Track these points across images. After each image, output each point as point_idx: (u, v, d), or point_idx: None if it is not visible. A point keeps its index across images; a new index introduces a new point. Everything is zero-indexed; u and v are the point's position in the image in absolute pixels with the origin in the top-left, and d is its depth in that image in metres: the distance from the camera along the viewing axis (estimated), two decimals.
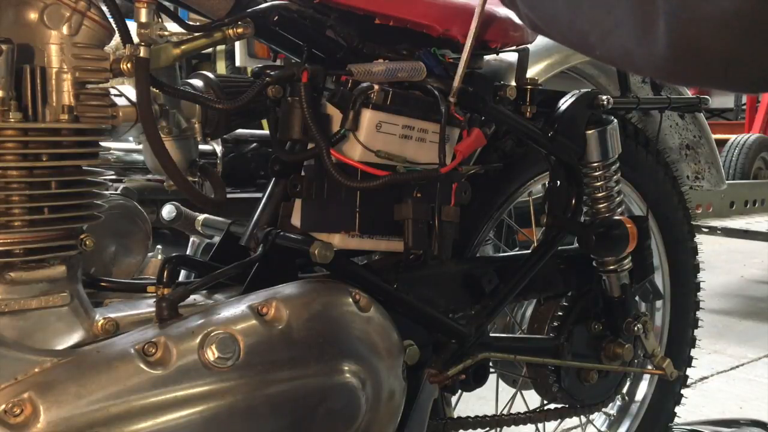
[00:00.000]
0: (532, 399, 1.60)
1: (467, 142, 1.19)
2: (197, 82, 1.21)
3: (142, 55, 0.97)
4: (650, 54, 0.72)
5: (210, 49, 4.14)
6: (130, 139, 1.61)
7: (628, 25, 0.73)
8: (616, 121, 1.48)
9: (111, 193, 1.21)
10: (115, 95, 1.05)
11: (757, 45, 0.67)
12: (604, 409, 1.73)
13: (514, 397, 1.62)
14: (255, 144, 1.98)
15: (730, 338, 3.43)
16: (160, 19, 0.99)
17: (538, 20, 0.88)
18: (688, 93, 1.84)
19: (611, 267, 1.51)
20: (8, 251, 0.90)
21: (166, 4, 1.08)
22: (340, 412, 1.08)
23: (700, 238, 1.92)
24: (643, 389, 1.83)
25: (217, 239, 1.30)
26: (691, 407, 2.27)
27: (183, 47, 1.05)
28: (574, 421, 1.78)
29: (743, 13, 0.65)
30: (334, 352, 1.07)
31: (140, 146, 1.44)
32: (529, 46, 1.34)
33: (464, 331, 1.29)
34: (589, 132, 1.44)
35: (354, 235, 1.14)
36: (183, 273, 1.22)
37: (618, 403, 1.82)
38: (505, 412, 1.50)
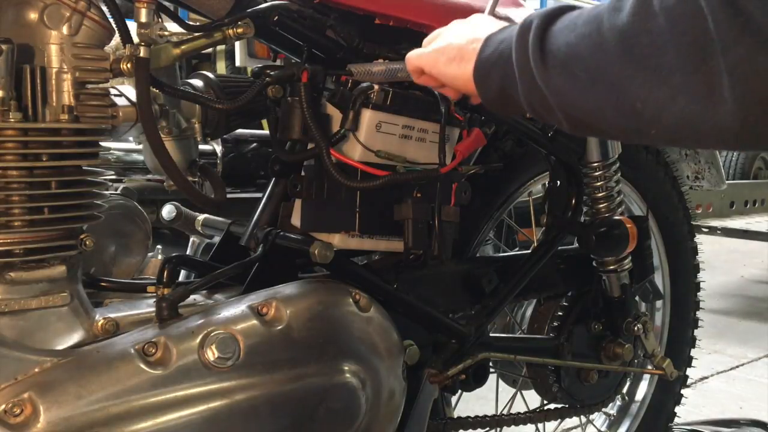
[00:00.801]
0: (532, 399, 1.60)
1: (467, 142, 1.19)
2: (197, 82, 1.21)
3: (142, 55, 0.97)
4: (716, 117, 0.64)
5: (210, 49, 4.14)
6: (130, 139, 1.61)
7: (688, 91, 0.65)
8: None
9: (111, 193, 1.21)
10: (115, 95, 1.05)
11: None
12: (604, 409, 1.73)
13: (514, 397, 1.62)
14: (255, 144, 1.97)
15: (730, 338, 3.43)
16: (160, 19, 0.99)
17: (580, 117, 0.77)
18: None
19: (611, 267, 1.51)
20: (8, 251, 0.90)
21: (166, 4, 1.08)
22: (340, 412, 1.08)
23: (700, 238, 1.92)
24: (643, 389, 1.83)
25: (217, 239, 1.30)
26: (691, 407, 2.27)
27: (183, 47, 1.05)
28: (574, 421, 1.78)
29: None
30: (334, 352, 1.07)
31: (140, 146, 1.44)
32: None
33: (464, 331, 1.29)
34: None
35: (354, 235, 1.14)
36: (183, 273, 1.22)
37: (618, 403, 1.82)
38: (505, 412, 1.50)
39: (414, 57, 1.01)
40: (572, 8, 0.80)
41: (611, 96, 0.71)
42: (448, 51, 0.95)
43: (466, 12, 1.18)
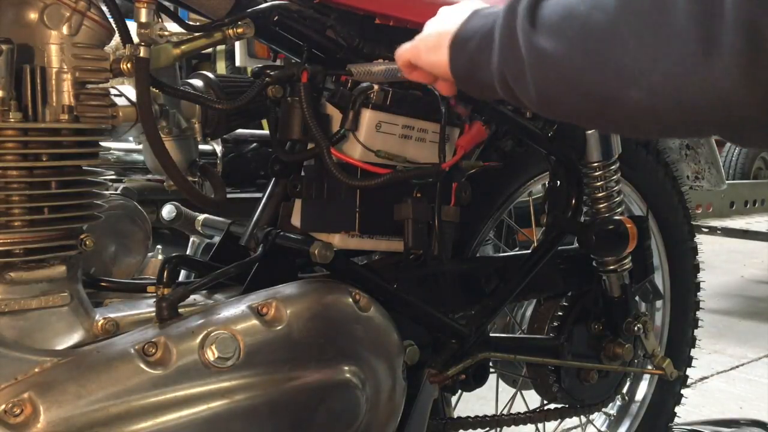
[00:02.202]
0: (532, 399, 1.60)
1: (468, 135, 1.19)
2: (197, 82, 1.21)
3: (142, 55, 0.97)
4: (709, 74, 0.60)
5: (210, 49, 4.14)
6: (130, 139, 1.61)
7: (682, 45, 0.61)
8: None
9: (111, 193, 1.21)
10: (115, 95, 1.05)
11: None
12: (604, 409, 1.73)
13: (514, 397, 1.62)
14: (255, 144, 1.97)
15: (730, 338, 3.43)
16: (160, 19, 0.99)
17: (555, 86, 0.74)
18: None
19: (611, 267, 1.51)
20: (8, 251, 0.90)
21: (166, 4, 1.08)
22: (340, 412, 1.08)
23: (700, 238, 1.92)
24: (643, 389, 1.83)
25: (217, 239, 1.30)
26: (691, 407, 2.27)
27: (183, 47, 1.05)
28: (574, 421, 1.78)
29: None
30: (334, 352, 1.07)
31: (140, 146, 1.44)
32: None
33: (464, 331, 1.29)
34: (589, 132, 1.44)
35: (354, 235, 1.14)
36: (183, 273, 1.22)
37: (618, 403, 1.82)
38: (505, 412, 1.50)
39: (401, 51, 1.00)
40: None
41: (598, 52, 0.68)
42: (429, 39, 0.93)
43: None
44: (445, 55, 0.89)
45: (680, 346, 1.86)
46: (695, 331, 1.90)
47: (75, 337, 0.95)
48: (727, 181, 2.27)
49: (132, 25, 0.99)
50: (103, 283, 1.10)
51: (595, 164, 1.46)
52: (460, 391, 1.35)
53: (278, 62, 1.35)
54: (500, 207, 1.49)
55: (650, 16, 0.65)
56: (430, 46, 0.93)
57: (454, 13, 0.91)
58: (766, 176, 5.83)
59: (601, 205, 1.48)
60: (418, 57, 0.96)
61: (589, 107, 0.74)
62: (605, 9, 0.68)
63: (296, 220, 1.16)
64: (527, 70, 0.76)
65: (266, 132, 1.72)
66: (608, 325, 1.54)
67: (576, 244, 1.55)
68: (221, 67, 4.28)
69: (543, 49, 0.73)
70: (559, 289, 1.55)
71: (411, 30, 1.17)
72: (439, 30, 0.92)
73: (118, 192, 1.28)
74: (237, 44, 3.77)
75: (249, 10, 1.05)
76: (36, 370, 0.88)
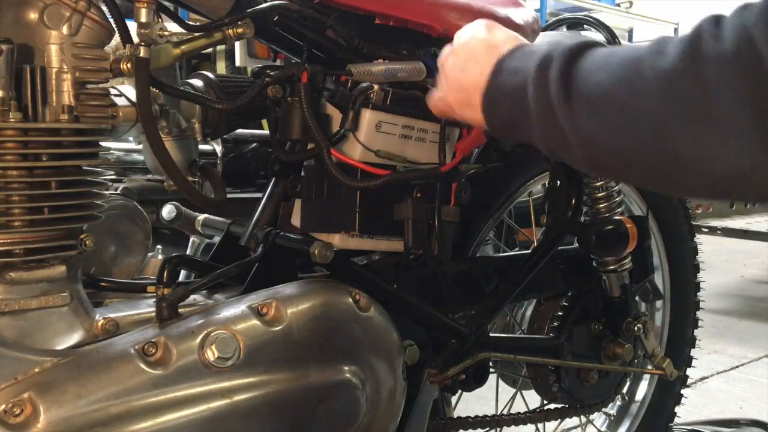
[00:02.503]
0: (532, 399, 1.60)
1: (467, 140, 1.19)
2: (197, 82, 1.21)
3: (142, 55, 0.97)
4: None
5: (210, 49, 4.14)
6: (130, 139, 1.61)
7: (741, 142, 0.59)
8: None
9: (111, 193, 1.20)
10: (115, 95, 1.05)
11: None
12: (604, 409, 1.73)
13: (514, 397, 1.62)
14: (255, 144, 1.97)
15: (730, 338, 3.43)
16: (160, 19, 0.99)
17: (607, 161, 0.72)
18: None
19: (611, 267, 1.51)
20: (8, 251, 0.90)
21: (166, 4, 1.08)
22: (340, 412, 1.08)
23: (700, 238, 1.92)
24: (643, 389, 1.83)
25: (217, 239, 1.30)
26: (691, 407, 2.27)
27: (183, 47, 1.05)
28: (574, 421, 1.78)
29: None
30: (334, 352, 1.07)
31: (140, 146, 1.44)
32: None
33: (464, 331, 1.29)
34: None
35: (354, 235, 1.14)
36: (183, 273, 1.22)
37: (618, 403, 1.82)
38: (505, 412, 1.50)
39: (434, 101, 1.02)
40: (595, 44, 0.76)
41: (649, 141, 0.67)
42: (457, 94, 0.91)
43: (465, 11, 1.18)
44: (479, 113, 0.87)
45: (680, 346, 1.86)
46: (695, 331, 1.90)
47: (75, 337, 0.95)
48: None
49: (132, 25, 0.99)
50: (103, 283, 1.10)
51: None
52: (460, 391, 1.35)
53: (278, 62, 1.35)
54: (500, 207, 1.49)
55: (697, 106, 0.63)
56: (461, 103, 0.92)
57: (475, 57, 0.88)
58: None
59: (601, 205, 1.48)
60: (453, 112, 0.97)
61: (647, 183, 0.75)
62: (645, 96, 0.67)
63: (296, 220, 1.16)
64: (575, 148, 0.74)
65: (266, 132, 1.72)
66: (608, 325, 1.54)
67: (576, 244, 1.55)
68: (221, 67, 4.28)
69: (588, 132, 0.72)
70: (559, 289, 1.55)
71: (411, 30, 1.17)
72: (463, 83, 0.90)
73: (118, 192, 1.28)
74: (237, 44, 3.77)
75: (249, 10, 1.05)
76: (36, 370, 0.88)
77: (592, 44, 0.76)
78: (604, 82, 0.70)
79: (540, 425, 1.64)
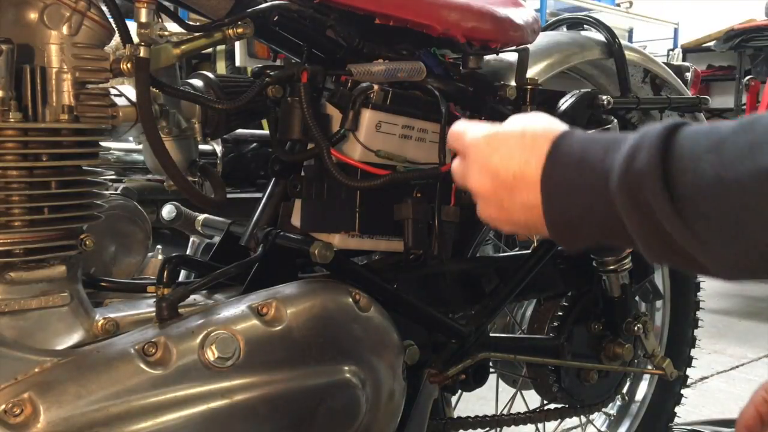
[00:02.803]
0: (532, 399, 1.60)
1: None
2: (197, 82, 1.21)
3: (142, 55, 0.97)
4: None
5: (210, 49, 4.14)
6: (130, 139, 1.61)
7: None
8: (616, 121, 1.47)
9: (111, 193, 1.20)
10: (115, 95, 1.05)
11: None
12: (604, 409, 1.73)
13: (514, 397, 1.62)
14: (255, 144, 1.97)
15: (730, 338, 3.43)
16: (160, 19, 0.99)
17: (739, 277, 0.63)
18: (688, 92, 1.84)
19: (611, 267, 1.51)
20: (8, 251, 0.90)
21: (166, 4, 1.08)
22: (340, 412, 1.08)
23: None
24: (643, 389, 1.83)
25: (217, 239, 1.30)
26: (691, 407, 2.27)
27: (183, 47, 1.05)
28: (574, 421, 1.78)
29: None
30: (334, 352, 1.07)
31: (140, 146, 1.44)
32: (529, 46, 1.34)
33: (464, 331, 1.29)
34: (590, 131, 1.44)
35: (354, 235, 1.14)
36: (183, 273, 1.22)
37: (618, 403, 1.82)
38: (505, 412, 1.50)
39: (474, 186, 0.82)
40: (684, 124, 0.65)
41: None
42: (504, 189, 0.76)
43: (465, 11, 1.18)
44: (538, 207, 0.73)
45: (680, 346, 1.86)
46: (695, 331, 1.91)
47: (75, 337, 0.95)
48: None
49: (132, 25, 0.99)
50: (103, 283, 1.10)
51: None
52: (460, 391, 1.35)
53: (278, 62, 1.35)
54: None
55: None
56: (509, 187, 0.76)
57: (521, 143, 0.76)
58: None
59: None
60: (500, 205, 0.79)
61: None
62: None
63: (296, 220, 1.16)
64: (696, 258, 0.64)
65: (266, 132, 1.72)
66: (608, 325, 1.54)
67: None
68: (221, 67, 4.28)
69: (713, 246, 0.62)
70: (559, 289, 1.55)
71: (411, 30, 1.17)
72: (512, 170, 0.76)
73: (118, 192, 1.28)
74: (237, 44, 3.78)
75: (249, 10, 1.05)
76: (36, 370, 0.88)
77: (676, 128, 0.65)
78: (716, 176, 0.60)
79: (540, 425, 1.64)
